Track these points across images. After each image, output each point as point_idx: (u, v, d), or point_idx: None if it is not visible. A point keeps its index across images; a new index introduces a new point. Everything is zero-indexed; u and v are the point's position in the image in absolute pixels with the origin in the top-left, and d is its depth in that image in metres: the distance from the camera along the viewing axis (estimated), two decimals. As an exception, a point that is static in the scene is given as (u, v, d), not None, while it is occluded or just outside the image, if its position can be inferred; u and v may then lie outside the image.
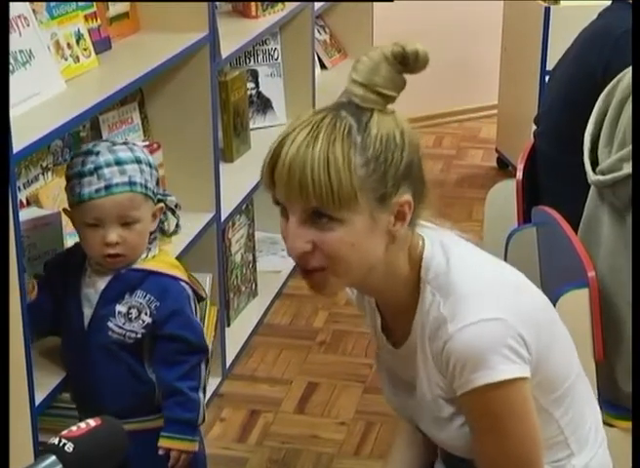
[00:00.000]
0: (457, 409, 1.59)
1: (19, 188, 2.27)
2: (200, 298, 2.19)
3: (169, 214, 2.16)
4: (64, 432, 1.28)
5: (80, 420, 2.14)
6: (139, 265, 2.08)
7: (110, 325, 2.04)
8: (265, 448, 2.85)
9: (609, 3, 2.82)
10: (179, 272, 2.13)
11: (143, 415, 2.10)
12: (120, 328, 2.04)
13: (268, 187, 1.51)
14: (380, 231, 1.52)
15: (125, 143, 2.09)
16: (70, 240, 2.36)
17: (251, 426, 2.94)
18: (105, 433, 1.34)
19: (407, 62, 1.50)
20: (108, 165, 2.00)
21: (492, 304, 1.53)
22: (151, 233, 2.10)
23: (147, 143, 2.72)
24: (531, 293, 1.63)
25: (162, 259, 2.13)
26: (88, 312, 2.07)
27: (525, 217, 2.55)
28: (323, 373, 3.20)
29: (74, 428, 1.30)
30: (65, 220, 2.31)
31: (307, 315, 3.56)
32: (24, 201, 2.31)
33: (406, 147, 1.51)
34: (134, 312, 2.04)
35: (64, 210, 2.10)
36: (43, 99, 2.17)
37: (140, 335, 2.05)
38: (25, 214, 2.14)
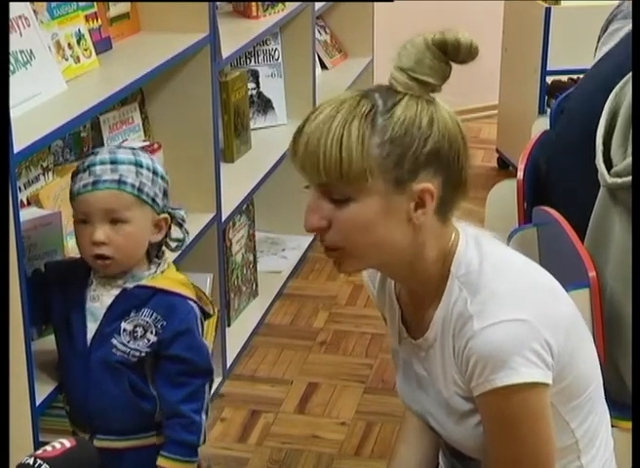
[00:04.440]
0: (473, 407, 1.58)
1: (19, 188, 2.27)
2: (207, 315, 2.14)
3: (178, 229, 2.11)
4: (39, 452, 1.28)
5: (73, 433, 2.14)
6: (146, 282, 2.04)
7: (114, 342, 2.01)
8: (266, 448, 2.85)
9: (609, 3, 2.81)
10: (187, 290, 2.09)
11: (142, 432, 2.07)
12: (124, 345, 2.01)
13: (293, 162, 1.55)
14: (398, 216, 1.52)
15: (132, 148, 2.07)
16: (71, 240, 2.36)
17: (251, 426, 2.94)
18: (80, 454, 1.33)
19: (447, 51, 1.50)
20: (102, 163, 1.99)
21: (521, 306, 1.52)
22: (156, 244, 2.07)
23: (148, 144, 2.72)
24: (562, 299, 1.61)
25: (171, 276, 2.09)
26: (92, 327, 2.03)
27: (525, 217, 2.54)
28: (323, 373, 3.20)
29: (49, 448, 1.29)
30: (66, 220, 2.31)
31: (308, 315, 3.56)
32: (25, 201, 2.31)
33: (432, 134, 1.50)
34: (139, 330, 2.01)
35: (74, 215, 2.08)
36: (43, 100, 2.17)
37: (143, 354, 2.02)
38: (26, 215, 2.13)
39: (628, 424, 1.83)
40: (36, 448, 1.94)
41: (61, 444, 1.31)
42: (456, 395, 1.59)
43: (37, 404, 1.98)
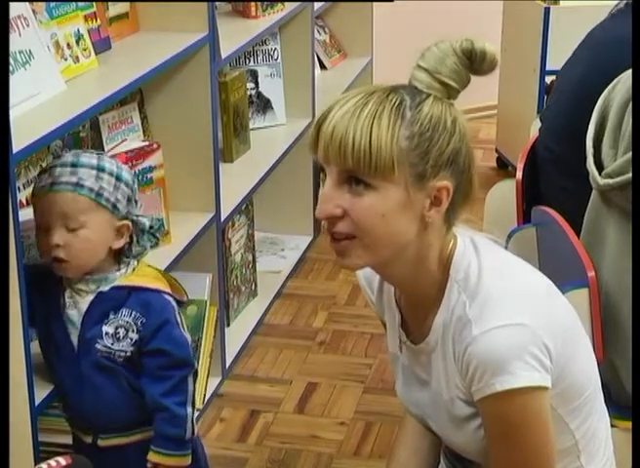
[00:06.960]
0: (474, 411, 1.58)
1: (18, 188, 2.27)
2: (180, 303, 2.13)
3: (144, 236, 2.09)
4: None
5: (75, 436, 2.12)
6: (121, 282, 2.04)
7: (98, 346, 2.02)
8: (265, 448, 2.85)
9: (609, 3, 2.81)
10: (161, 284, 2.09)
11: (144, 426, 2.08)
12: (109, 348, 2.02)
13: (312, 150, 1.54)
14: (414, 212, 1.52)
15: (100, 153, 2.07)
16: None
17: (250, 426, 2.94)
18: None
19: (473, 59, 1.53)
20: (63, 165, 2.00)
21: (519, 310, 1.52)
22: (119, 250, 2.05)
23: (147, 143, 2.72)
24: (559, 302, 1.62)
25: (143, 272, 2.09)
26: (74, 333, 2.04)
27: (525, 217, 2.55)
28: (323, 373, 3.20)
29: (44, 466, 1.29)
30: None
31: (307, 315, 3.56)
32: (24, 201, 2.31)
33: (455, 134, 1.54)
34: (121, 331, 2.01)
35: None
36: (43, 100, 2.17)
37: (129, 353, 2.02)
38: (25, 215, 2.13)
39: (628, 424, 1.83)
40: (36, 447, 1.94)
41: (57, 462, 1.30)
42: (457, 399, 1.59)
43: (36, 404, 1.98)
